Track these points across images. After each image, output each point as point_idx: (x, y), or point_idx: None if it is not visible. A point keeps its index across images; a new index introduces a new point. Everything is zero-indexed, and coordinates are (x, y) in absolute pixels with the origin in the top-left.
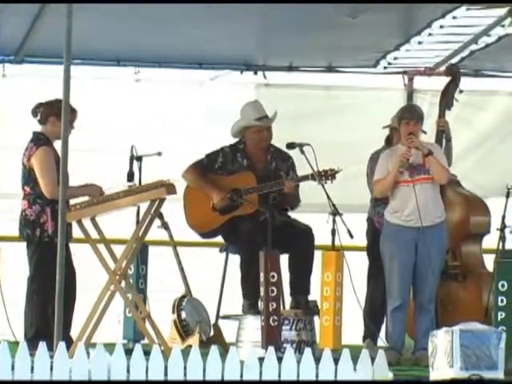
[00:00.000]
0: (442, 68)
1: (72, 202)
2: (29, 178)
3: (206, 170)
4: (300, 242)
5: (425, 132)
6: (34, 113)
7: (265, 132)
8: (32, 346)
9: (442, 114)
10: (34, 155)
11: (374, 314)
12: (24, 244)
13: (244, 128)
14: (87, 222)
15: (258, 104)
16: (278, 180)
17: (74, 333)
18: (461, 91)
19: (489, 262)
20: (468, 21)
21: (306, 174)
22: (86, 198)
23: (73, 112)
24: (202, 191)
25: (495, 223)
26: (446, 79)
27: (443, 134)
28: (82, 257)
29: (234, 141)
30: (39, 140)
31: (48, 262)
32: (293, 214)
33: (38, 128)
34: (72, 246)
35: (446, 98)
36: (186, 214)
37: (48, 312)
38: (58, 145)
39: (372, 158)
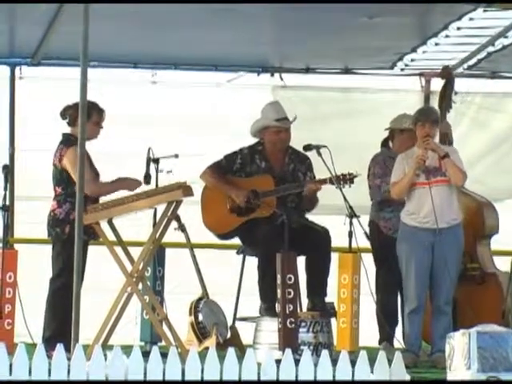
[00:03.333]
0: (460, 70)
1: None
2: (60, 178)
3: (225, 171)
4: (317, 244)
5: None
6: (63, 115)
7: (283, 133)
8: (50, 346)
9: (443, 117)
10: (66, 155)
11: (387, 317)
12: (39, 246)
13: (263, 128)
14: (104, 224)
15: (279, 105)
16: (297, 183)
17: (91, 335)
18: (455, 93)
19: (504, 263)
20: (485, 22)
21: (324, 178)
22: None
23: (100, 112)
24: (221, 192)
25: (509, 226)
26: (463, 81)
27: (447, 136)
28: (100, 259)
29: (252, 142)
30: (69, 141)
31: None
32: (310, 216)
33: (68, 130)
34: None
35: (445, 101)
36: (204, 216)
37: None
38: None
39: (373, 160)
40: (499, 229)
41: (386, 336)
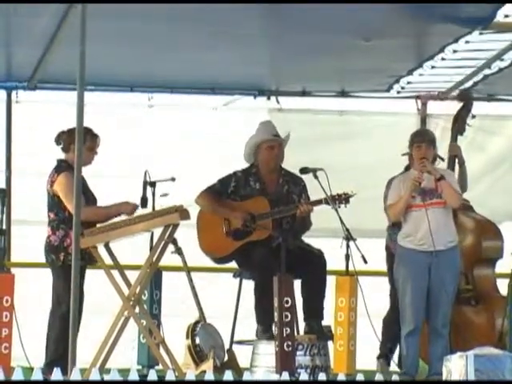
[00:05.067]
0: (456, 92)
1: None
2: (52, 204)
3: (219, 194)
4: (312, 267)
5: (442, 159)
6: (57, 141)
7: (276, 149)
8: (49, 370)
9: (453, 139)
10: (56, 181)
11: (392, 335)
12: (37, 270)
13: (256, 147)
14: (101, 248)
15: (271, 123)
16: (292, 204)
17: (89, 358)
18: (473, 116)
19: (503, 286)
20: (481, 45)
21: (319, 199)
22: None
23: (95, 137)
24: (217, 215)
25: (509, 248)
26: (460, 104)
27: (455, 158)
28: (96, 282)
29: (247, 165)
30: (60, 167)
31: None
32: (306, 239)
33: (62, 155)
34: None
35: (458, 123)
36: (200, 240)
37: None
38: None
39: (388, 183)
40: (502, 253)
41: (385, 352)
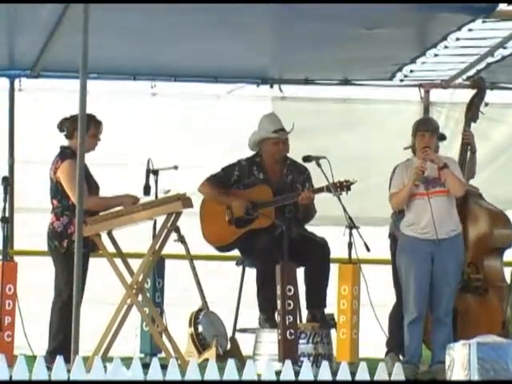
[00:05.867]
0: (459, 80)
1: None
2: (56, 191)
3: (223, 183)
4: (315, 256)
5: (444, 137)
6: (60, 128)
7: (281, 144)
8: (52, 358)
9: (467, 127)
10: (60, 168)
11: (399, 325)
12: (40, 258)
13: (261, 140)
14: (104, 236)
15: (275, 116)
16: (294, 192)
17: (91, 347)
18: (486, 104)
19: (507, 274)
20: (484, 33)
21: (321, 186)
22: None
23: (98, 124)
24: (219, 204)
25: None
26: (463, 92)
27: (468, 146)
28: (100, 270)
29: (250, 154)
30: (64, 154)
31: None
32: (309, 227)
33: (65, 142)
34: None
35: (472, 111)
36: (203, 228)
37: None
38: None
39: (393, 170)
40: (511, 242)
41: (393, 346)
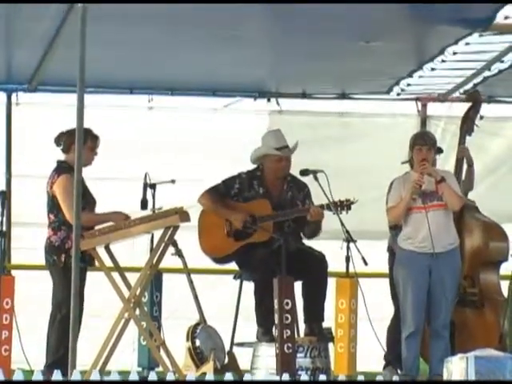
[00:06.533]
0: (456, 94)
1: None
2: (52, 205)
3: (222, 195)
4: (313, 269)
5: (441, 150)
6: (57, 142)
7: (284, 162)
8: (49, 372)
9: (462, 140)
10: (56, 183)
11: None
12: (38, 272)
13: (263, 155)
14: (101, 250)
15: (280, 133)
16: (295, 208)
17: (89, 360)
18: (481, 117)
19: (504, 288)
20: (481, 47)
21: (321, 204)
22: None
23: (95, 138)
24: (218, 216)
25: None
26: (460, 105)
27: (463, 160)
28: (97, 284)
29: (249, 167)
30: (61, 168)
31: None
32: (307, 241)
33: (62, 157)
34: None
35: (467, 124)
36: (201, 240)
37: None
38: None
39: (390, 184)
40: (508, 255)
41: (391, 360)
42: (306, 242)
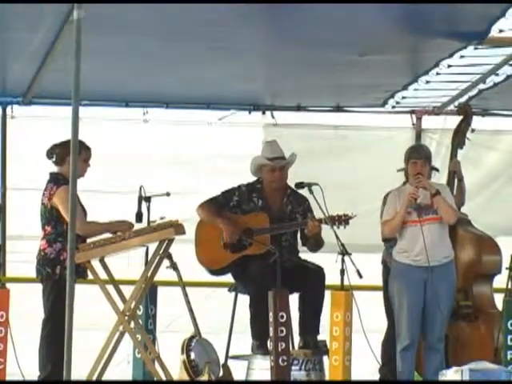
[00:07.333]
0: (451, 107)
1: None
2: (50, 217)
3: (221, 206)
4: (312, 282)
5: (437, 169)
6: (50, 154)
7: (277, 172)
8: None
9: (454, 154)
10: (56, 194)
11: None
12: (31, 285)
13: (260, 166)
14: (96, 263)
15: (275, 144)
16: (292, 222)
17: (84, 373)
18: (473, 130)
19: (498, 301)
20: (476, 60)
21: (319, 218)
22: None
23: (87, 150)
24: (215, 227)
25: (504, 262)
26: (454, 118)
27: (455, 174)
28: (92, 297)
29: (243, 180)
30: (58, 180)
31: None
32: (302, 254)
33: (54, 169)
34: (82, 287)
35: (458, 137)
36: (197, 251)
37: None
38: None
39: (385, 199)
40: (501, 268)
41: (386, 373)
42: (303, 254)
